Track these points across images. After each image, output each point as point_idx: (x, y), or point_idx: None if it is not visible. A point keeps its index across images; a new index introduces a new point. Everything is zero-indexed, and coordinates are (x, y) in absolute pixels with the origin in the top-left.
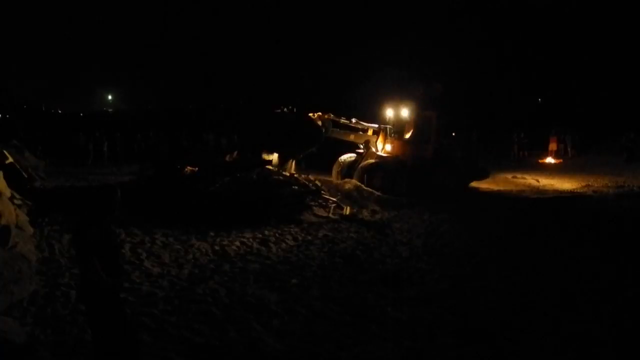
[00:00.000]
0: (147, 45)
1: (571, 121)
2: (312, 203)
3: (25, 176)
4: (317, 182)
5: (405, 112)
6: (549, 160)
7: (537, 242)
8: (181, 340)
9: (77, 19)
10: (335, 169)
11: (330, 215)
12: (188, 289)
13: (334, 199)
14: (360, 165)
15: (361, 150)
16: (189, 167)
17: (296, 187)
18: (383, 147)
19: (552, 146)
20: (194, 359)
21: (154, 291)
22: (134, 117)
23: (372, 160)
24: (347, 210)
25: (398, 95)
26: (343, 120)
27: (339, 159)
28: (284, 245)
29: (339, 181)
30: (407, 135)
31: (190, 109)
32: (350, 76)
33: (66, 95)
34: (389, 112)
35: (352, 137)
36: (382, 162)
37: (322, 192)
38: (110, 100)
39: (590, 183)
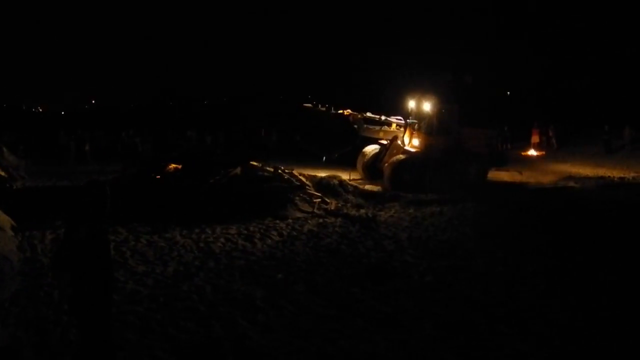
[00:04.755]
0: (130, 43)
1: (552, 114)
2: (297, 198)
3: (6, 176)
4: (301, 177)
5: (427, 105)
6: (532, 152)
7: (520, 233)
8: (166, 337)
9: (57, 15)
10: (359, 161)
11: (315, 210)
12: (173, 286)
13: (319, 194)
14: (390, 161)
15: (384, 142)
16: (172, 165)
17: (281, 183)
18: (410, 142)
19: (535, 138)
20: (179, 356)
21: (139, 289)
22: (116, 114)
23: (402, 156)
24: (332, 205)
25: (423, 86)
26: (369, 115)
27: (363, 150)
28: (269, 240)
29: (324, 176)
30: (430, 128)
31: (172, 105)
32: (378, 71)
33: (47, 93)
34: (411, 104)
35: (381, 134)
36: (411, 158)
37: (307, 187)
38: (93, 99)
39: (572, 175)
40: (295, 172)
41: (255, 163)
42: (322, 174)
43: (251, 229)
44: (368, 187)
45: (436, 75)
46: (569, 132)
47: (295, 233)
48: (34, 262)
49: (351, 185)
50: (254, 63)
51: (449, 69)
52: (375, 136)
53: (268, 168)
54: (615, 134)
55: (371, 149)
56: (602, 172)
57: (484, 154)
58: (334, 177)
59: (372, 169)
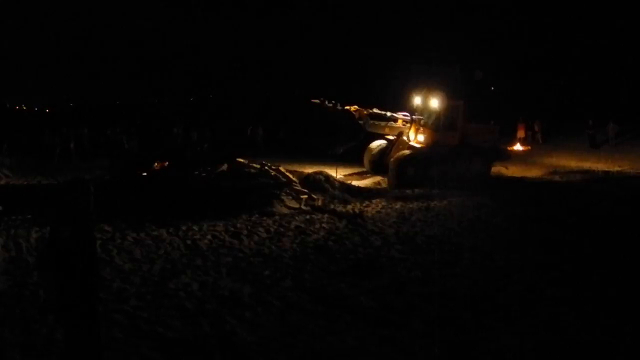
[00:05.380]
0: (115, 41)
1: (537, 108)
2: (284, 195)
3: None
4: (288, 173)
5: (433, 101)
6: (517, 147)
7: (506, 228)
8: (154, 335)
9: (43, 14)
10: (366, 157)
11: (302, 206)
12: (160, 284)
13: (306, 190)
14: (395, 156)
15: (391, 137)
16: (158, 162)
17: (267, 179)
18: (415, 137)
19: (520, 133)
20: (167, 354)
21: (126, 287)
22: (102, 112)
23: (407, 152)
24: (319, 201)
25: (429, 82)
26: (376, 111)
27: (369, 146)
28: (256, 237)
29: (311, 172)
30: (436, 124)
31: (157, 102)
32: (382, 67)
33: (32, 91)
34: (417, 101)
35: (387, 130)
36: (416, 153)
37: (294, 183)
38: (79, 95)
39: (557, 169)
40: (281, 168)
41: (241, 160)
42: (308, 170)
43: (238, 225)
44: (355, 182)
45: (444, 72)
46: (554, 127)
47: (282, 229)
48: (19, 261)
49: (338, 181)
50: (253, 61)
51: (456, 65)
52: (381, 132)
53: (254, 164)
54: (600, 129)
55: (377, 144)
56: (587, 166)
57: (488, 149)
58: (321, 173)
59: (379, 164)
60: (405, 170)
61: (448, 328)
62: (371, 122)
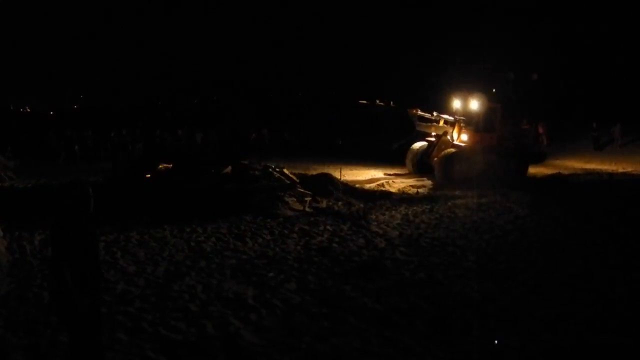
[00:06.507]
0: (119, 42)
1: (541, 109)
2: (288, 197)
3: None
4: (292, 175)
5: (473, 104)
6: None
7: (509, 230)
8: (158, 337)
9: (45, 14)
10: (408, 157)
11: (306, 208)
12: (164, 286)
13: (310, 192)
14: (441, 154)
15: (432, 139)
16: (163, 164)
17: (271, 182)
18: (459, 137)
19: None
20: (171, 356)
21: (130, 289)
22: (106, 114)
23: (453, 150)
24: (323, 203)
25: (476, 85)
26: (420, 112)
27: (412, 147)
28: (260, 239)
29: (315, 174)
30: (476, 125)
31: (161, 104)
32: (426, 68)
33: (35, 93)
34: (457, 104)
35: (432, 130)
36: (461, 152)
37: (298, 185)
38: (82, 97)
39: (561, 171)
40: (285, 170)
41: (245, 162)
42: (313, 172)
43: (242, 227)
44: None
45: (497, 75)
46: (558, 129)
47: (286, 232)
48: (23, 263)
49: (342, 183)
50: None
51: (510, 69)
52: (428, 131)
53: (258, 167)
54: (604, 131)
55: (419, 145)
56: (591, 167)
57: (525, 150)
58: (325, 175)
59: (421, 164)
60: (451, 167)
61: (452, 329)
62: (418, 122)
